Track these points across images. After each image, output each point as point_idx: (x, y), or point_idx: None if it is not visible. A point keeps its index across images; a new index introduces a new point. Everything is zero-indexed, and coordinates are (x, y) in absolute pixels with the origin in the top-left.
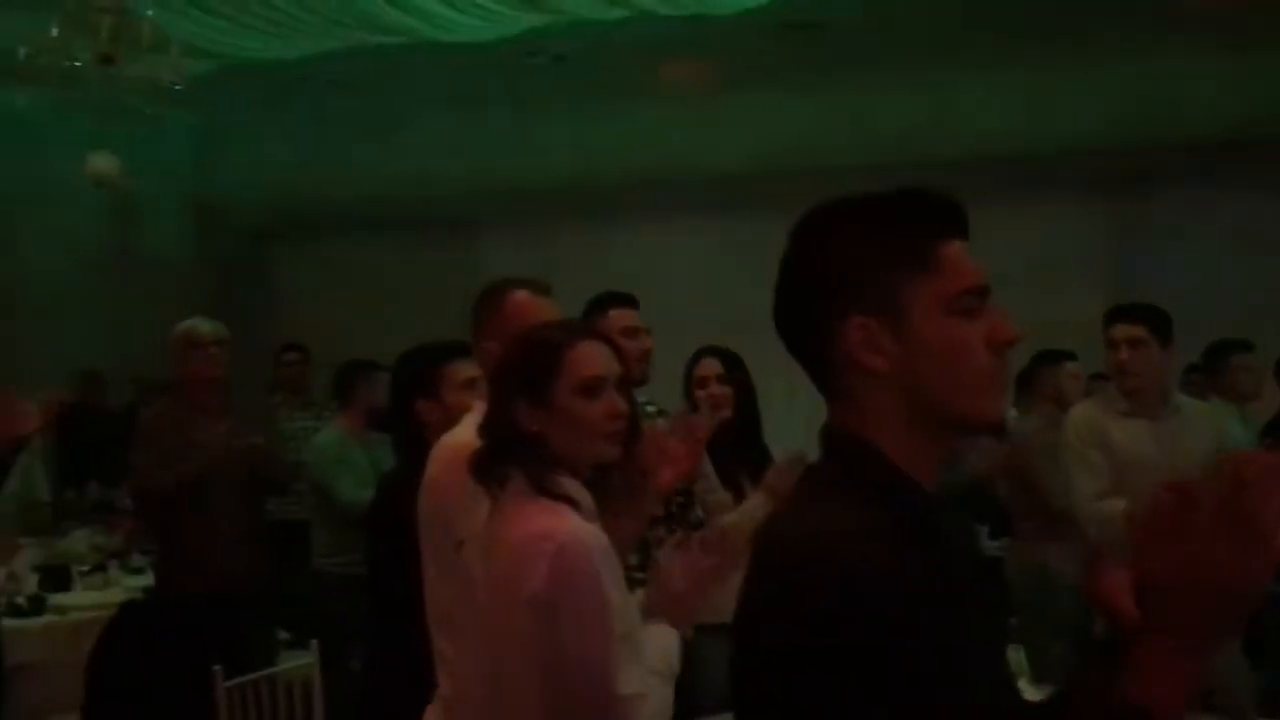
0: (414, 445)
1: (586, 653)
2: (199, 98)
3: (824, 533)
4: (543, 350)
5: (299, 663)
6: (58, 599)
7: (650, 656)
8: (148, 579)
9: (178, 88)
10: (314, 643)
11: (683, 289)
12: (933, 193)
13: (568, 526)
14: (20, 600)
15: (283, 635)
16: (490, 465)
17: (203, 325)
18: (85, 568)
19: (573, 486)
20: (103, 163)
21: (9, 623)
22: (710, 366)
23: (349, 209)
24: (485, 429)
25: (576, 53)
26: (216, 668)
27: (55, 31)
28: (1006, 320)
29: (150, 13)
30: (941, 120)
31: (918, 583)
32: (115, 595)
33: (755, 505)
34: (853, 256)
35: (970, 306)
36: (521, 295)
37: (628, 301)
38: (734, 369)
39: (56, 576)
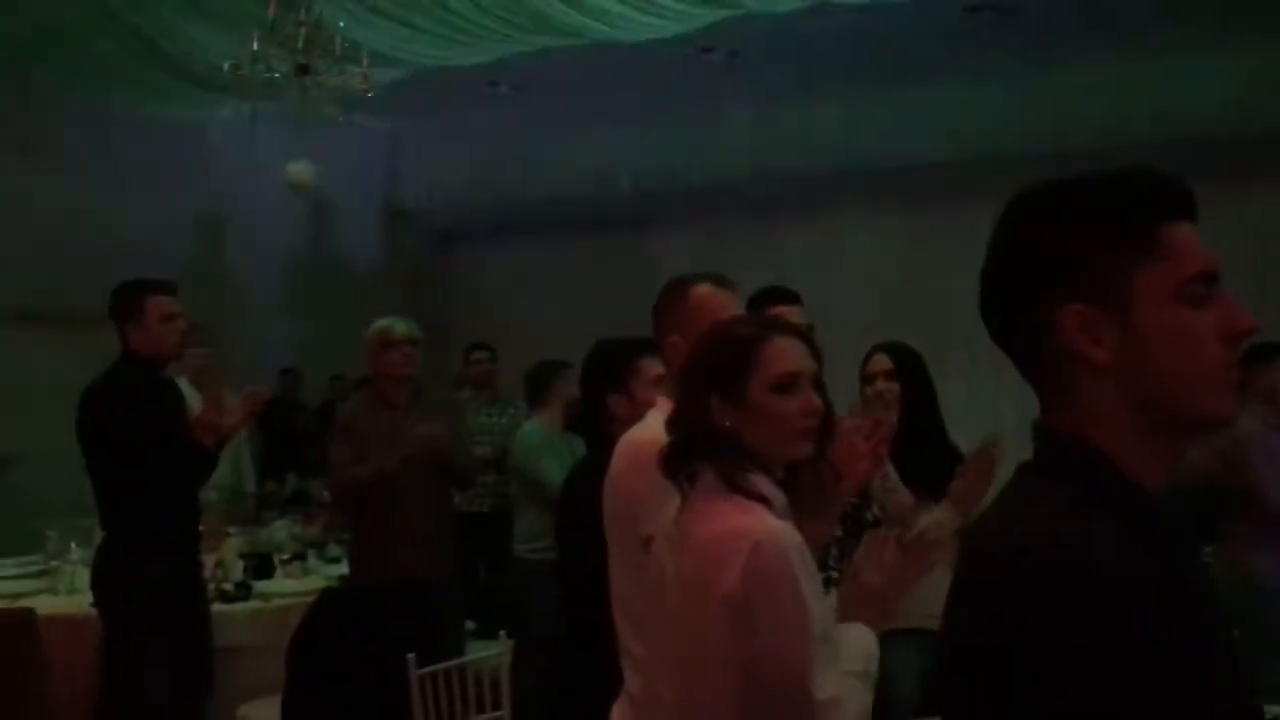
0: (605, 439)
1: (783, 654)
2: (388, 105)
3: (1041, 534)
4: (736, 345)
5: (490, 653)
6: (261, 586)
7: (847, 659)
8: (343, 568)
9: (369, 95)
10: (502, 634)
11: (863, 285)
12: (1156, 172)
13: (763, 525)
14: (228, 586)
15: (470, 625)
16: (680, 461)
17: (398, 325)
18: (286, 556)
19: (765, 484)
20: (300, 170)
21: (218, 608)
22: (879, 363)
23: (530, 210)
24: (675, 424)
25: (752, 47)
26: (410, 655)
27: (255, 45)
28: (1240, 308)
29: (342, 24)
30: (1138, 104)
31: (1144, 588)
32: (314, 583)
33: (945, 515)
34: (1069, 241)
35: (1199, 294)
36: (704, 289)
37: (790, 297)
38: (904, 365)
39: (260, 564)
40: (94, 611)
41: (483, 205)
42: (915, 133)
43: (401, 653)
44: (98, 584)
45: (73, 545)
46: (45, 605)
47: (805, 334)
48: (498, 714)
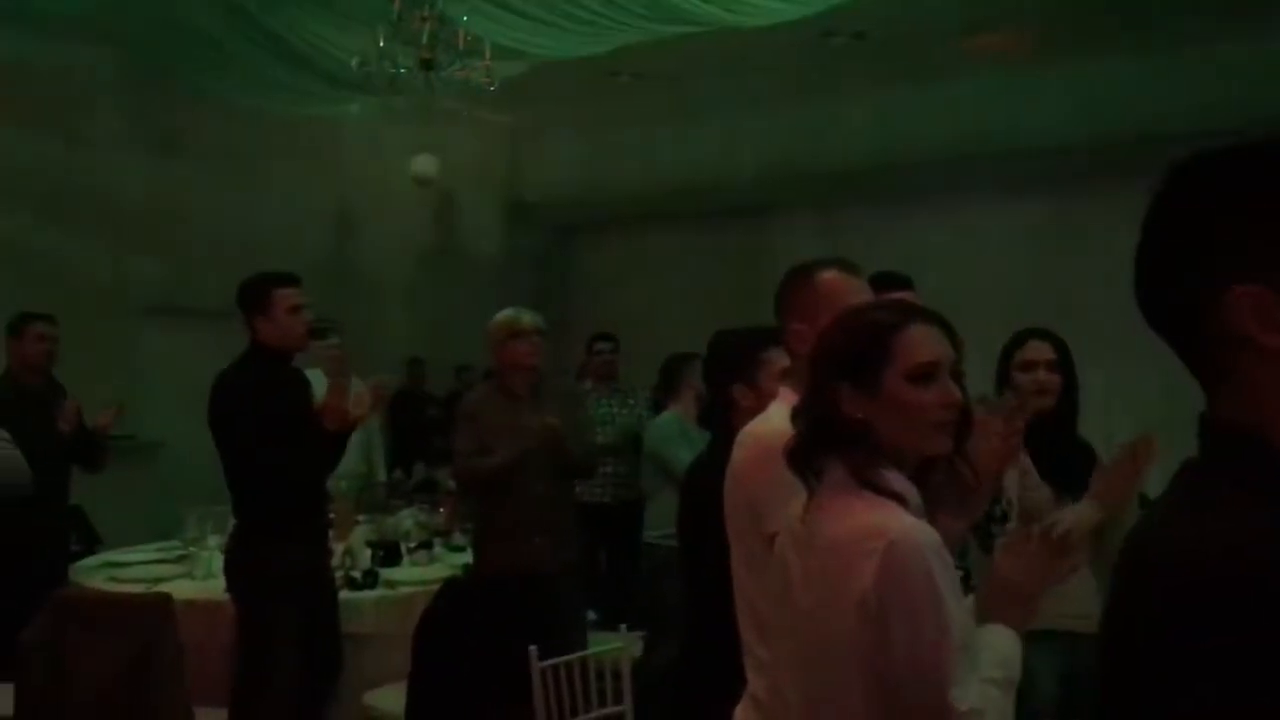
0: (728, 432)
1: (920, 663)
2: (509, 98)
3: (1208, 534)
4: (871, 331)
5: (610, 646)
6: (388, 574)
7: (986, 664)
8: (469, 556)
9: (491, 89)
10: (623, 626)
11: (994, 273)
12: None
13: (898, 523)
14: (356, 574)
15: (591, 616)
16: (808, 454)
17: (525, 315)
18: (412, 544)
19: (899, 480)
20: (425, 164)
21: (345, 595)
22: (1041, 351)
23: (651, 200)
24: (803, 415)
25: (877, 29)
26: (532, 648)
27: (381, 42)
28: None
29: (465, 19)
30: None
31: None
32: (440, 571)
33: (1087, 509)
34: (1242, 213)
35: None
36: (831, 274)
37: (901, 282)
38: (1063, 355)
39: (388, 553)
40: (228, 597)
41: (604, 196)
42: (1047, 114)
43: (523, 643)
44: (229, 571)
45: (208, 531)
46: (182, 590)
47: (945, 320)
48: (619, 708)
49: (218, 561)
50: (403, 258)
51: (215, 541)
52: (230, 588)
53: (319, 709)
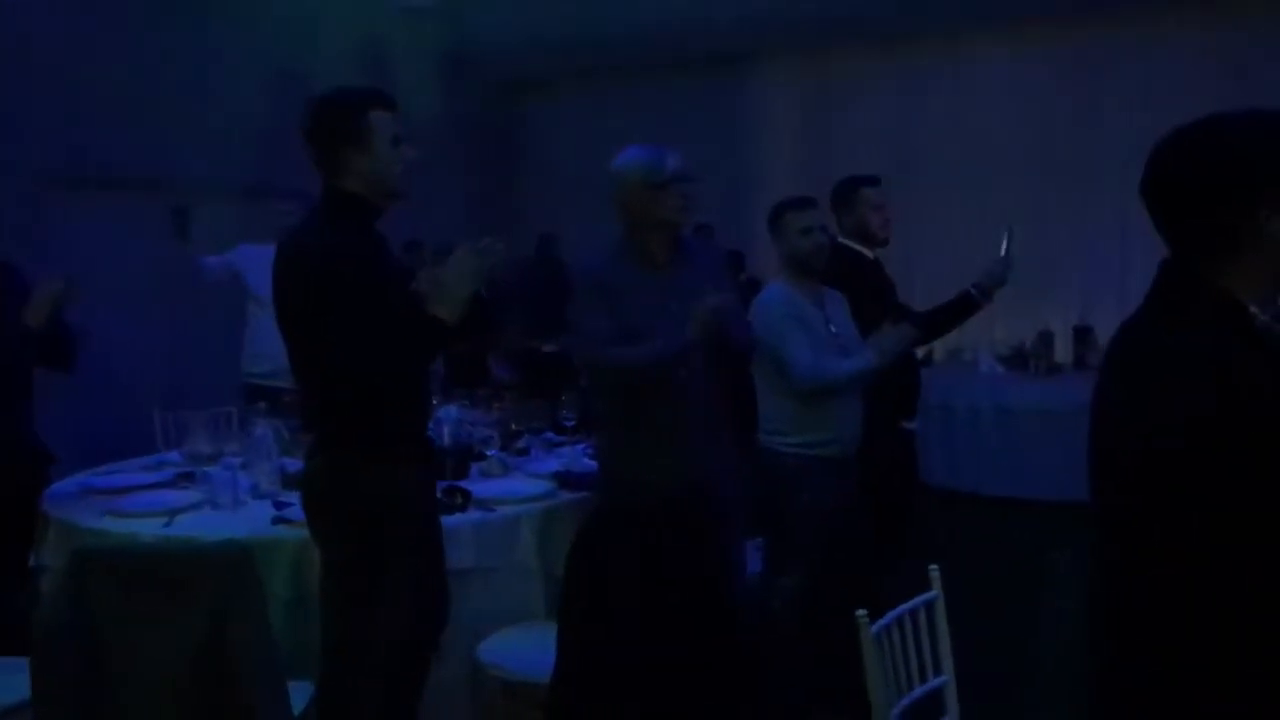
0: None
1: None
2: None
3: None
4: None
5: (922, 596)
6: (476, 492)
7: None
8: (545, 464)
9: None
10: (934, 570)
11: (1006, 118)
12: None
13: None
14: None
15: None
16: None
17: (668, 158)
18: (485, 451)
19: None
20: None
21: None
22: None
23: (609, 50)
24: None
25: None
26: (860, 613)
27: None
28: None
29: None
30: None
31: None
32: (533, 485)
33: None
34: None
35: None
36: None
37: None
38: None
39: (458, 464)
40: (288, 531)
41: (553, 46)
42: None
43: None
44: (314, 502)
45: (225, 445)
46: (214, 527)
47: None
48: (939, 679)
49: (245, 484)
50: None
51: (234, 458)
52: (315, 524)
53: (423, 669)
